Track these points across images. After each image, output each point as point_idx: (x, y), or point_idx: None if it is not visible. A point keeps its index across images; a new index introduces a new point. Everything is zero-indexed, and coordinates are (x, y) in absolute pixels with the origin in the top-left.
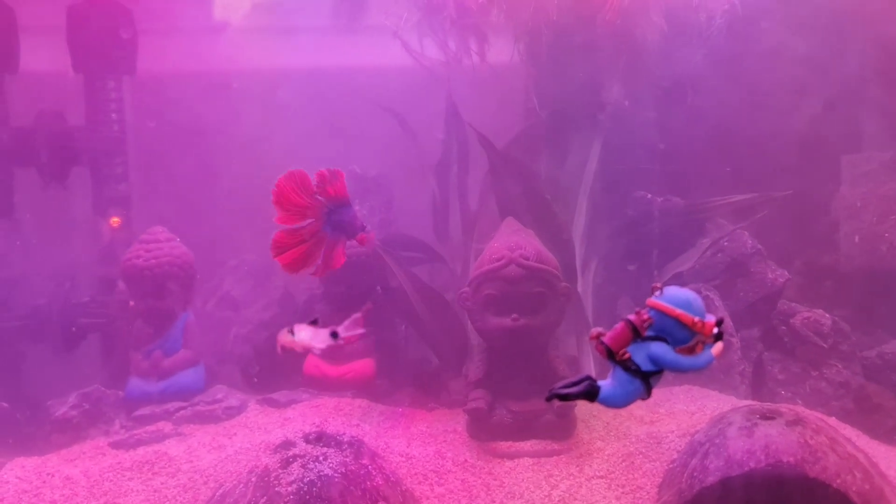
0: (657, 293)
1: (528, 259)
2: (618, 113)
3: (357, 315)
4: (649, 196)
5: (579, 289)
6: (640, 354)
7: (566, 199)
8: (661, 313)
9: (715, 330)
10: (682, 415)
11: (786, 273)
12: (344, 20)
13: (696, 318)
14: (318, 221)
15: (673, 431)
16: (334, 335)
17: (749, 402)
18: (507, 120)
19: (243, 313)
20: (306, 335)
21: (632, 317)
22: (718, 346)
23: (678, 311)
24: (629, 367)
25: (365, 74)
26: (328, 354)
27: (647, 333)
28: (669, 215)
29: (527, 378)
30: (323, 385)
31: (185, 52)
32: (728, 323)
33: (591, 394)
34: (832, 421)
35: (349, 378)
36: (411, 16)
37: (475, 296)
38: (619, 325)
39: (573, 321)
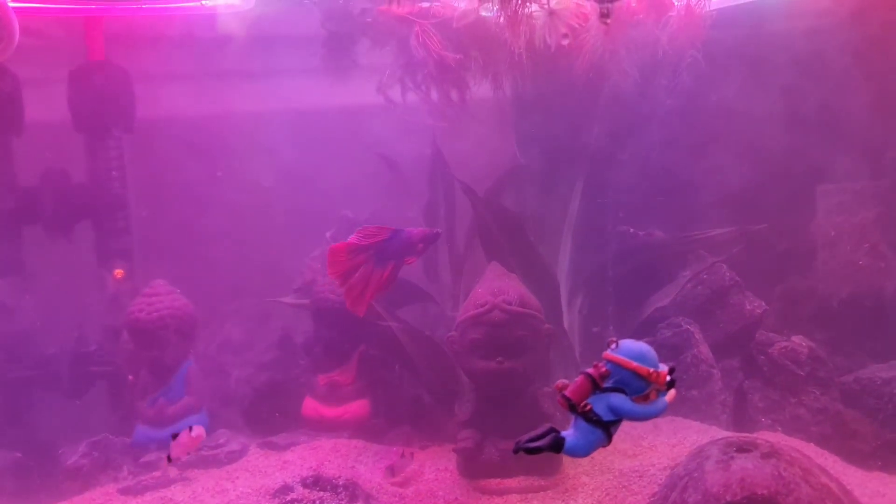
0: (613, 346)
1: (510, 304)
2: (599, 152)
3: (351, 362)
4: (632, 231)
5: (565, 324)
6: (600, 405)
7: (551, 236)
8: (618, 366)
9: (668, 378)
10: (664, 447)
11: (763, 304)
12: (332, 63)
13: (651, 370)
14: (368, 264)
15: (655, 465)
16: None
17: (727, 433)
18: (497, 150)
19: (244, 356)
20: None
21: (590, 370)
22: (671, 393)
23: (634, 363)
24: (591, 417)
25: (356, 115)
26: (324, 396)
27: (606, 385)
28: (652, 249)
29: (514, 416)
30: (320, 426)
31: (176, 98)
32: (708, 354)
33: (557, 446)
34: (810, 448)
35: (345, 419)
36: (393, 72)
37: (461, 340)
38: (579, 379)
39: (561, 358)
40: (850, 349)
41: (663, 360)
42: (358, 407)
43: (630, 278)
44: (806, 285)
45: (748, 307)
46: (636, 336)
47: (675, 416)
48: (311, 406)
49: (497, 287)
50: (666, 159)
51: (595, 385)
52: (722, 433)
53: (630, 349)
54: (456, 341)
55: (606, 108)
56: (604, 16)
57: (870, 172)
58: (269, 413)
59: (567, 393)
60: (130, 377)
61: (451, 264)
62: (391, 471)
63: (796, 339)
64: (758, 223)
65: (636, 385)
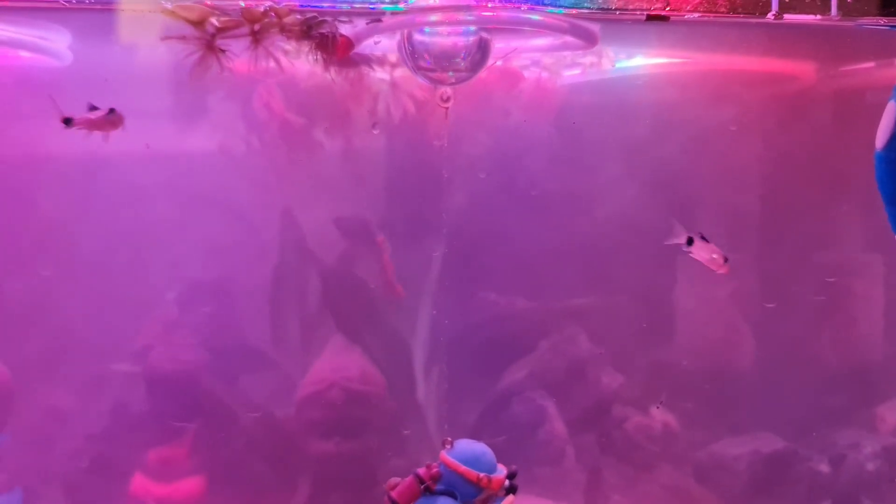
0: (448, 446)
1: (351, 381)
2: (461, 221)
3: (185, 436)
4: (493, 298)
5: (420, 396)
6: None
7: (410, 302)
8: (449, 468)
9: (506, 483)
10: None
11: (620, 377)
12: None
13: (482, 475)
14: None
15: None
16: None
17: None
18: (351, 214)
19: (71, 427)
20: None
21: (421, 470)
22: (509, 499)
23: (463, 467)
24: None
25: (201, 163)
26: (155, 472)
27: (438, 487)
28: (513, 318)
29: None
30: None
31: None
32: (562, 431)
33: None
34: None
35: (176, 498)
36: (238, 129)
37: (300, 418)
38: (408, 479)
39: (415, 433)
40: (711, 422)
41: (519, 437)
42: (191, 485)
43: (490, 348)
44: (667, 357)
45: (605, 381)
46: (490, 411)
47: (528, 495)
48: (140, 483)
49: (337, 362)
50: (528, 225)
51: (426, 487)
52: None
53: (464, 450)
54: (293, 419)
55: (464, 173)
56: (444, 100)
57: (728, 246)
58: (94, 491)
59: (394, 494)
60: None
61: (302, 332)
62: None
63: (655, 412)
64: (620, 293)
65: (467, 490)
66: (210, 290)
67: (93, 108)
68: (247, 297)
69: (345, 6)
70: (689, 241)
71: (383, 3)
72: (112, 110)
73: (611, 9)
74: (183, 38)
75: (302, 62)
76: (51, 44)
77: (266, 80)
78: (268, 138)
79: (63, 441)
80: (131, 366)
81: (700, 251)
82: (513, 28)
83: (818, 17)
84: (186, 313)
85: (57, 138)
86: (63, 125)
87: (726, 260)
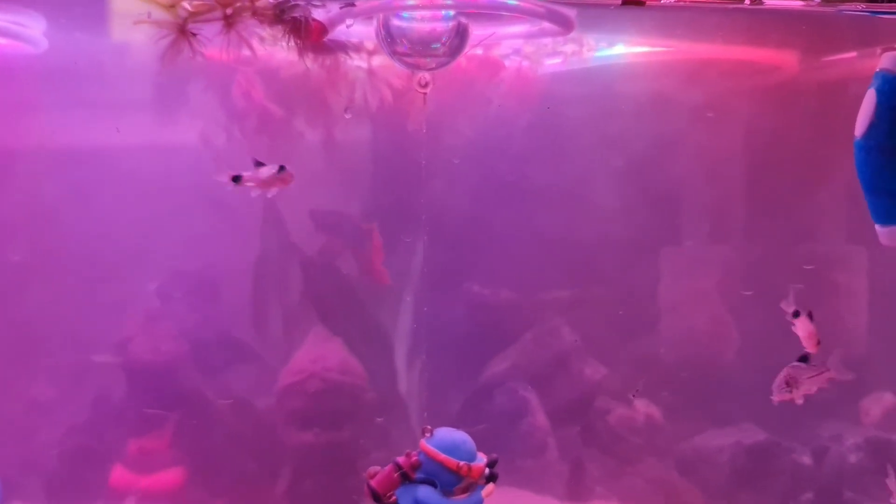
0: (427, 434)
1: (330, 372)
2: (443, 210)
3: (165, 427)
4: (476, 287)
5: (401, 387)
6: (407, 498)
7: (392, 292)
8: (428, 457)
9: (486, 471)
10: None
11: (603, 369)
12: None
13: (462, 463)
14: None
15: None
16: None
17: None
18: (333, 205)
19: (53, 418)
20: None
21: (401, 459)
22: (488, 487)
23: (442, 455)
24: None
25: (176, 154)
26: (135, 463)
27: (418, 476)
28: (497, 309)
29: (336, 497)
30: (129, 497)
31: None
32: (545, 423)
33: None
34: None
35: (156, 489)
36: (218, 118)
37: (280, 408)
38: (388, 468)
39: (396, 423)
40: (694, 414)
41: (500, 428)
42: (171, 476)
43: (472, 339)
44: (650, 349)
45: (588, 372)
46: (472, 403)
47: (509, 487)
48: (119, 474)
49: (317, 353)
50: (510, 215)
51: (406, 475)
52: None
53: (443, 439)
54: (274, 410)
55: (443, 161)
56: (422, 86)
57: (710, 237)
58: (75, 482)
59: (373, 483)
60: None
61: (284, 319)
62: None
63: (638, 404)
64: (603, 284)
65: (447, 478)
66: (191, 281)
67: (258, 163)
68: (228, 287)
69: None
70: (796, 314)
71: None
72: (282, 167)
73: None
74: (155, 21)
75: (280, 50)
76: (25, 29)
77: (245, 68)
78: (248, 127)
79: (43, 432)
80: (112, 357)
81: (803, 327)
82: (490, 13)
83: (800, 2)
84: (167, 304)
85: (38, 128)
86: (232, 182)
87: (819, 343)
